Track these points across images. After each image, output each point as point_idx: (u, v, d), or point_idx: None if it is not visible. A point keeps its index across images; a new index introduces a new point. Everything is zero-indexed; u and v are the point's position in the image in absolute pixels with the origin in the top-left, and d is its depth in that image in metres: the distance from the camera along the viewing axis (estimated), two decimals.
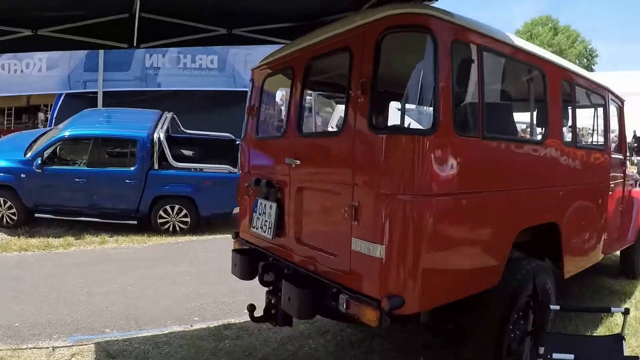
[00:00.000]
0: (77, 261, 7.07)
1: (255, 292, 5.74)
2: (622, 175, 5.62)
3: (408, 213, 2.75)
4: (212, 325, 4.87)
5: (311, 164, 3.40)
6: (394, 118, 3.88)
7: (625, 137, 6.00)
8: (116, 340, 4.42)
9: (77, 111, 10.69)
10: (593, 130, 5.31)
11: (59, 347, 4.26)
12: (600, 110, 5.07)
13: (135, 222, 8.96)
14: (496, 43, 3.24)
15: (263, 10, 4.44)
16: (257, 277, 3.98)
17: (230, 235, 9.14)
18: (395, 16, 2.81)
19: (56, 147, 8.80)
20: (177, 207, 9.21)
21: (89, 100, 13.60)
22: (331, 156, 3.20)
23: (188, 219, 9.30)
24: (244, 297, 5.70)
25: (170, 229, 9.20)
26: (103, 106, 12.95)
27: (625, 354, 3.26)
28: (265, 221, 3.78)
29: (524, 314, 3.55)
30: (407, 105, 3.35)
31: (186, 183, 9.21)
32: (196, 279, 6.44)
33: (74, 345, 4.29)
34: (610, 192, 5.05)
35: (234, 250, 4.19)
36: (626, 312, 3.39)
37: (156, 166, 8.93)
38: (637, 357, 2.99)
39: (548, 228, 3.88)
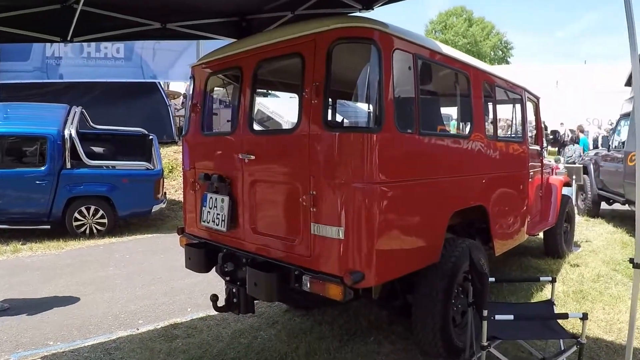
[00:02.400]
0: None
1: (195, 291, 5.93)
2: (539, 164, 6.49)
3: (362, 198, 3.20)
4: (159, 327, 4.95)
5: (266, 159, 3.71)
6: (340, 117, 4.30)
7: (541, 130, 6.85)
8: (63, 352, 4.38)
9: None
10: (512, 125, 6.06)
11: None
12: (518, 107, 5.80)
13: (49, 227, 8.66)
14: (428, 51, 3.79)
15: (197, 4, 4.55)
16: (213, 269, 4.28)
17: (152, 236, 9.25)
18: (344, 28, 3.26)
19: None
20: (93, 208, 9.03)
21: None
22: (286, 151, 3.54)
23: (105, 220, 9.14)
24: (183, 296, 5.84)
25: (87, 231, 9.00)
26: (0, 101, 12.04)
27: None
28: (217, 214, 4.01)
29: (463, 288, 4.13)
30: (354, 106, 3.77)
31: (102, 182, 9.06)
32: (128, 282, 6.42)
33: None
34: (530, 179, 5.84)
35: (187, 245, 4.36)
36: (553, 281, 4.01)
37: (68, 165, 8.66)
38: (567, 313, 3.53)
39: (477, 211, 4.49)
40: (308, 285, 3.31)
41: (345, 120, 5.63)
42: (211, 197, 4.09)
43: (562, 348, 3.64)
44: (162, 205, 9.95)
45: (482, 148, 4.52)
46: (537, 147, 6.45)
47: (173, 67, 15.26)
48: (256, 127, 3.95)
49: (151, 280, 6.52)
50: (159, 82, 15.12)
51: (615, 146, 9.99)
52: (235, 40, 4.53)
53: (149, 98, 14.59)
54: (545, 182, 6.84)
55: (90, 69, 13.84)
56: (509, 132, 6.37)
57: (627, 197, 8.86)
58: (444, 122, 5.32)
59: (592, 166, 10.85)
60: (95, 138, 10.13)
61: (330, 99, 3.30)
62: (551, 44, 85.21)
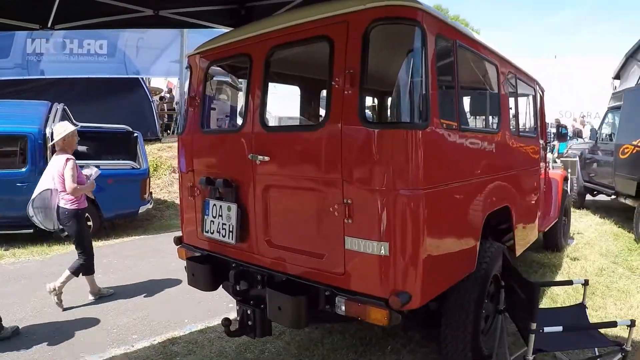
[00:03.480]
0: None
1: (190, 299, 5.37)
2: (544, 159, 6.10)
3: (409, 207, 2.67)
4: (156, 342, 4.38)
5: (283, 161, 3.15)
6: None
7: (545, 123, 6.47)
8: None
9: None
10: (527, 119, 5.63)
11: None
12: (531, 99, 5.36)
13: (32, 231, 7.82)
14: (465, 38, 3.30)
15: None
16: (220, 287, 3.71)
17: (139, 238, 8.63)
18: (384, 7, 2.69)
19: None
20: None
21: None
22: (311, 151, 2.97)
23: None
24: (178, 305, 5.29)
25: None
26: None
27: (588, 320, 3.61)
28: (224, 224, 3.45)
29: (488, 293, 3.68)
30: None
31: None
32: (118, 290, 5.80)
33: None
34: (540, 175, 5.40)
35: (190, 259, 3.75)
36: (586, 283, 3.71)
37: None
38: (615, 322, 3.17)
39: (502, 212, 4.04)
40: (343, 307, 2.78)
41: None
42: (214, 205, 3.52)
43: (597, 353, 3.40)
44: (149, 206, 9.30)
45: (508, 145, 4.11)
46: (542, 141, 6.06)
47: (155, 63, 14.51)
48: (271, 122, 3.37)
49: (142, 287, 5.93)
50: (142, 78, 14.35)
51: (602, 139, 9.71)
52: (231, 29, 3.96)
53: (132, 94, 13.77)
54: (547, 177, 6.49)
55: (73, 65, 12.97)
56: (525, 127, 5.99)
57: (617, 190, 8.61)
58: None
59: (578, 159, 10.65)
60: (78, 136, 9.37)
61: (367, 90, 2.74)
62: (523, 40, 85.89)
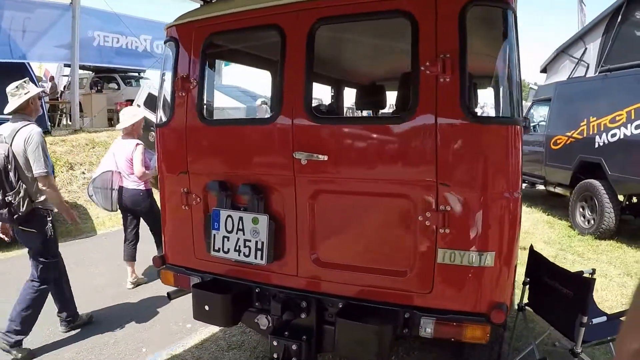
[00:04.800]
0: None
1: (140, 320, 4.41)
2: None
3: (512, 211, 2.32)
4: None
5: (346, 160, 2.48)
6: None
7: None
8: None
9: None
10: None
11: None
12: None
13: None
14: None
15: None
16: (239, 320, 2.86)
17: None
18: None
19: None
20: None
21: None
22: (390, 149, 2.38)
23: None
24: (127, 330, 4.36)
25: None
26: None
27: (598, 307, 3.56)
28: (247, 241, 2.65)
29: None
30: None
31: None
32: (45, 316, 4.53)
33: None
34: None
35: (200, 288, 2.81)
36: (593, 272, 3.61)
37: None
38: None
39: None
40: (429, 329, 2.33)
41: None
42: (229, 216, 2.69)
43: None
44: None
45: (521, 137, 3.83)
46: None
47: (35, 46, 12.39)
48: (320, 113, 2.65)
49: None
50: (29, 63, 12.17)
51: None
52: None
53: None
54: None
55: None
56: None
57: (547, 179, 8.86)
58: None
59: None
60: None
61: (468, 79, 2.23)
62: None
